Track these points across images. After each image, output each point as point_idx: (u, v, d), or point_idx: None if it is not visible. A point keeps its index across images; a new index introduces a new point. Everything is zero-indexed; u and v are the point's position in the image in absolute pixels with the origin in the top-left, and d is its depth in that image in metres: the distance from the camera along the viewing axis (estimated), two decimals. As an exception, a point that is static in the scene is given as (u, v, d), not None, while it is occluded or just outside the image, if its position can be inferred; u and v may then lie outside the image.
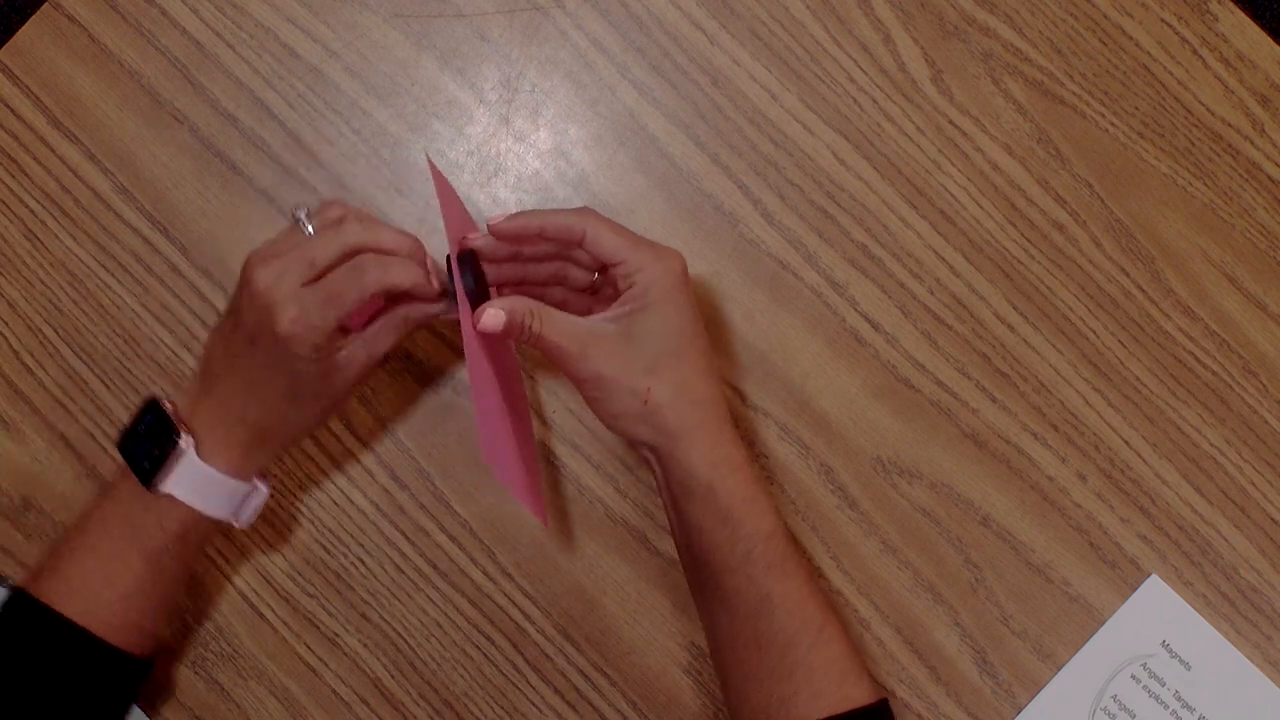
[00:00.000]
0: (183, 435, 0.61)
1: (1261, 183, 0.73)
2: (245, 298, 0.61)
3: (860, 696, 0.59)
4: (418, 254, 0.62)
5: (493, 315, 0.58)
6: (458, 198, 0.70)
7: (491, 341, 0.61)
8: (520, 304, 0.59)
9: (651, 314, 0.60)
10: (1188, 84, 0.73)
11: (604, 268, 0.62)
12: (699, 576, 0.62)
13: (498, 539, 0.71)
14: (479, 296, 0.61)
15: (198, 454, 0.61)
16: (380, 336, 0.63)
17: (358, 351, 0.62)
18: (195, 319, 0.72)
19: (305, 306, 0.59)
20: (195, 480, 0.62)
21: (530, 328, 0.59)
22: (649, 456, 0.62)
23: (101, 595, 0.62)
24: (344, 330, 0.62)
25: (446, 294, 0.63)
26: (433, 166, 0.64)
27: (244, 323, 0.61)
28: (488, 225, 0.62)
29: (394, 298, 0.63)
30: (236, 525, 0.64)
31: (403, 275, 0.61)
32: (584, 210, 0.63)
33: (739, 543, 0.59)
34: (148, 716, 0.69)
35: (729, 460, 0.60)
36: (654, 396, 0.59)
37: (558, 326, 0.59)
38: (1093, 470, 0.71)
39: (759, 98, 0.73)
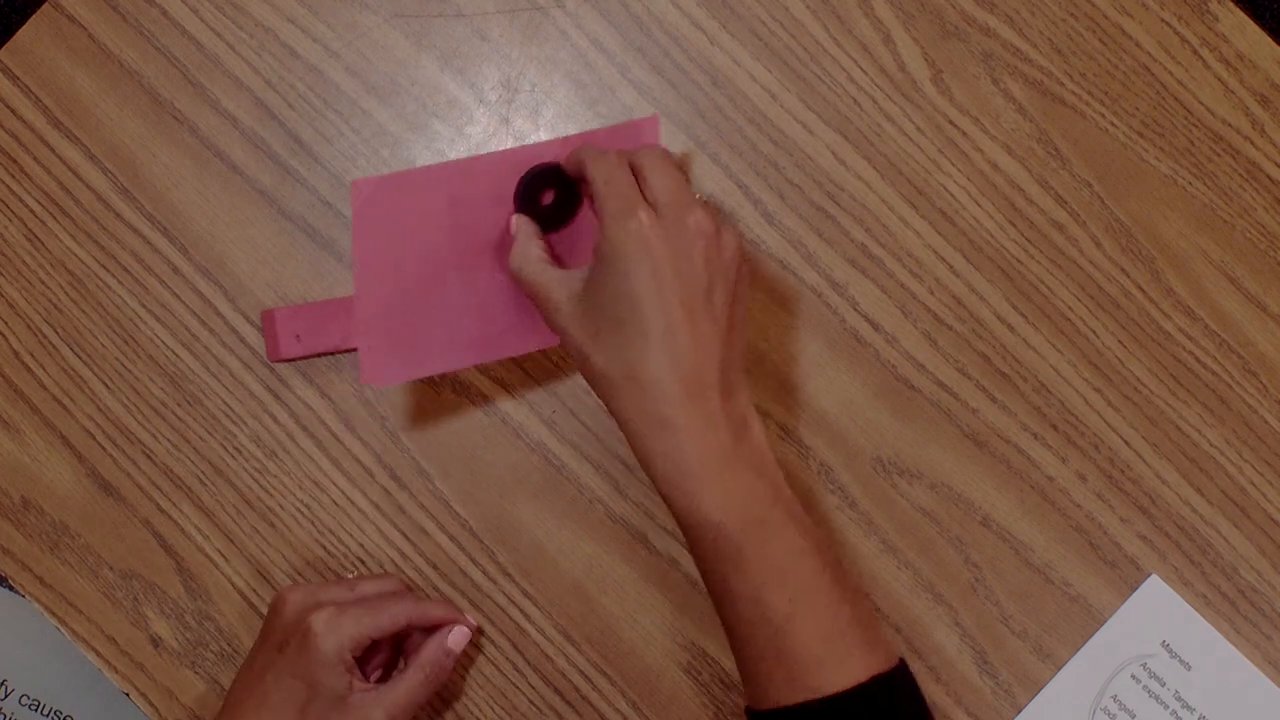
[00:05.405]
0: None
1: (1261, 183, 0.73)
2: (276, 615, 0.64)
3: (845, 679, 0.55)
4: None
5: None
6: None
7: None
8: (522, 221, 0.60)
9: (600, 272, 0.55)
10: (1188, 84, 0.73)
11: None
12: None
13: (498, 539, 0.71)
14: (559, 218, 0.63)
15: None
16: (400, 693, 0.62)
17: (373, 709, 0.61)
18: (195, 319, 0.72)
19: (343, 611, 0.62)
20: None
21: (514, 238, 0.60)
22: None
23: None
24: (368, 661, 0.65)
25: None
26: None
27: (273, 633, 0.63)
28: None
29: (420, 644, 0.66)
30: None
31: (439, 609, 0.65)
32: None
33: (689, 530, 0.55)
34: (148, 716, 0.69)
35: (668, 453, 0.54)
36: (592, 365, 0.55)
37: (532, 266, 0.59)
38: (1093, 470, 0.71)
39: (759, 98, 0.73)
